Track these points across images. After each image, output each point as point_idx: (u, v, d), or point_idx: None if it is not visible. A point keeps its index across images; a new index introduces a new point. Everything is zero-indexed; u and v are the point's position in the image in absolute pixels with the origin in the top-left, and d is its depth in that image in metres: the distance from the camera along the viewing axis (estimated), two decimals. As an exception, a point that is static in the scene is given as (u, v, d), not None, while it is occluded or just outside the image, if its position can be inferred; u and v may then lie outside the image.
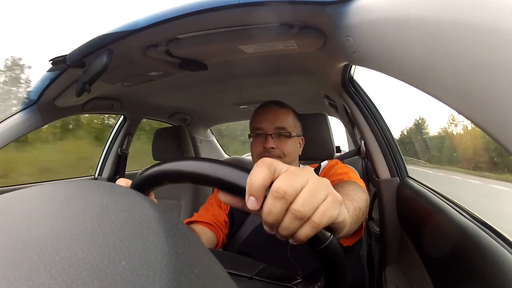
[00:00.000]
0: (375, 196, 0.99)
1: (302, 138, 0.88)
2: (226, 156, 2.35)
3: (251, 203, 0.28)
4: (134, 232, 0.15)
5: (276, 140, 0.80)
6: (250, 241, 0.76)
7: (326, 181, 0.30)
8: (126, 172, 1.61)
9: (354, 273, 0.78)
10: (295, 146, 0.82)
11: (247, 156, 2.25)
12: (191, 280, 0.14)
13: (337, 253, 0.31)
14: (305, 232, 0.28)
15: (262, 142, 0.80)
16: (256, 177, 0.28)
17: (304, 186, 0.28)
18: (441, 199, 0.65)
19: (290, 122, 0.82)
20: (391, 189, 0.87)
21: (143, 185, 0.35)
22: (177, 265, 0.14)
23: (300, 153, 0.87)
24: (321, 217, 0.28)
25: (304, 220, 0.28)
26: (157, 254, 0.14)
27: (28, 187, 0.23)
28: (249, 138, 0.86)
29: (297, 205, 0.27)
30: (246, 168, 0.30)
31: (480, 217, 0.52)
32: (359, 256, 0.82)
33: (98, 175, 1.54)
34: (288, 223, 0.28)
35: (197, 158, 0.40)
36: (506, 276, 0.36)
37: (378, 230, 0.98)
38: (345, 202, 0.45)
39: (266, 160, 0.29)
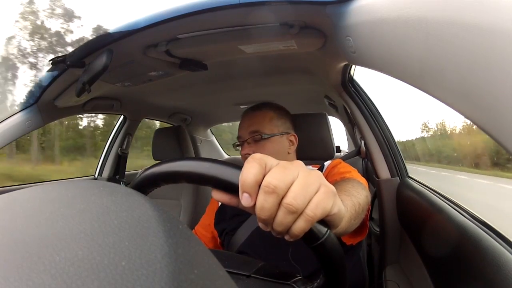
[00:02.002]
0: (375, 196, 0.99)
1: (293, 135, 0.83)
2: (226, 156, 2.35)
3: (245, 199, 0.28)
4: (134, 232, 0.15)
5: (252, 145, 0.78)
6: (250, 242, 0.75)
7: (317, 173, 0.30)
8: (126, 172, 1.61)
9: (354, 273, 0.78)
10: (276, 146, 0.79)
11: None
12: (191, 280, 0.14)
13: (335, 249, 0.31)
14: (300, 226, 0.28)
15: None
16: (248, 174, 0.27)
17: (295, 179, 0.28)
18: (441, 199, 0.64)
19: (266, 123, 0.79)
20: (391, 189, 0.87)
21: (140, 187, 0.35)
22: (177, 265, 0.14)
23: (293, 151, 0.84)
24: (315, 209, 0.27)
25: (297, 213, 0.27)
26: (157, 254, 0.14)
27: (28, 187, 0.23)
28: (234, 148, 0.85)
29: (289, 199, 0.27)
30: (238, 165, 0.30)
31: (480, 217, 0.52)
32: (359, 256, 0.82)
33: (98, 175, 1.54)
34: (281, 218, 0.27)
35: (190, 157, 0.40)
36: (506, 276, 0.36)
37: (378, 230, 0.98)
38: (343, 198, 0.45)
39: (256, 155, 0.29)
